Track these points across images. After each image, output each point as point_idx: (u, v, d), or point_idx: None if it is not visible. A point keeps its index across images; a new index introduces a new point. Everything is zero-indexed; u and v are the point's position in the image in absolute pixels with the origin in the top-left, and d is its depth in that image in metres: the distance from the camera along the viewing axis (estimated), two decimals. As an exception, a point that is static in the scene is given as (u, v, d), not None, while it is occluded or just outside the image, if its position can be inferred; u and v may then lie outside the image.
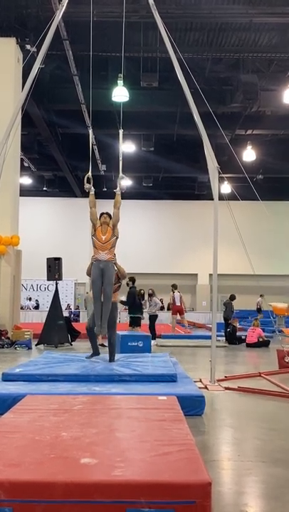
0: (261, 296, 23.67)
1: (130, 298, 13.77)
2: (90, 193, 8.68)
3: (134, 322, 13.70)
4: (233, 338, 15.85)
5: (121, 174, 9.07)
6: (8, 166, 11.45)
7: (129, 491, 3.05)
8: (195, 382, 7.64)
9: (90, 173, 8.77)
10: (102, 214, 8.50)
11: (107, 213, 8.51)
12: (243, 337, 15.68)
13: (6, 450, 3.69)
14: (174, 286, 17.96)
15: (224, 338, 16.18)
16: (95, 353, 9.00)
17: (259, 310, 24.28)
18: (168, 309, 27.26)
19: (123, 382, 7.05)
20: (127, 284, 14.06)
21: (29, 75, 8.62)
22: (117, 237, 8.51)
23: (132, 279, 14.12)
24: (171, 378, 7.18)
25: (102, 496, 3.04)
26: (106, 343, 14.22)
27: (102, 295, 8.33)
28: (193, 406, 6.12)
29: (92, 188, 8.72)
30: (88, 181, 8.71)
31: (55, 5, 12.23)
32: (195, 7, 14.81)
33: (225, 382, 8.40)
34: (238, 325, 16.55)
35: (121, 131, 9.51)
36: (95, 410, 5.13)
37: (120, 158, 9.10)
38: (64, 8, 8.87)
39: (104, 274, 8.27)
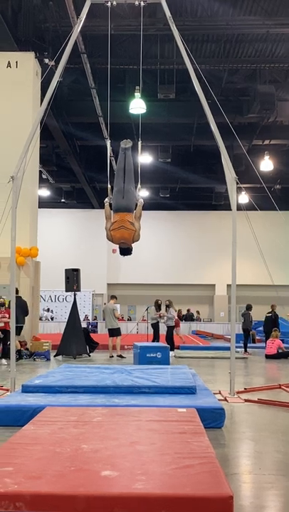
0: None
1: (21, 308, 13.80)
2: (106, 205, 8.55)
3: (18, 331, 13.68)
4: None
5: (139, 186, 8.99)
6: (27, 179, 11.58)
7: (150, 504, 3.04)
8: (214, 394, 7.57)
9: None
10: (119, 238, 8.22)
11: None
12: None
13: (26, 462, 3.70)
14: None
15: (243, 349, 16.04)
16: None
17: None
18: (185, 320, 27.18)
19: (142, 394, 7.02)
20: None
21: (48, 88, 8.70)
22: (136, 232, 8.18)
23: (16, 290, 14.17)
24: (190, 390, 7.13)
25: (123, 509, 3.03)
26: (124, 355, 14.31)
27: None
28: (213, 418, 6.07)
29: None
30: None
31: (73, 19, 12.39)
32: (211, 19, 14.90)
33: (244, 394, 8.31)
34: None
35: (140, 144, 9.46)
36: (114, 422, 5.11)
37: (138, 171, 9.04)
38: (82, 22, 8.96)
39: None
